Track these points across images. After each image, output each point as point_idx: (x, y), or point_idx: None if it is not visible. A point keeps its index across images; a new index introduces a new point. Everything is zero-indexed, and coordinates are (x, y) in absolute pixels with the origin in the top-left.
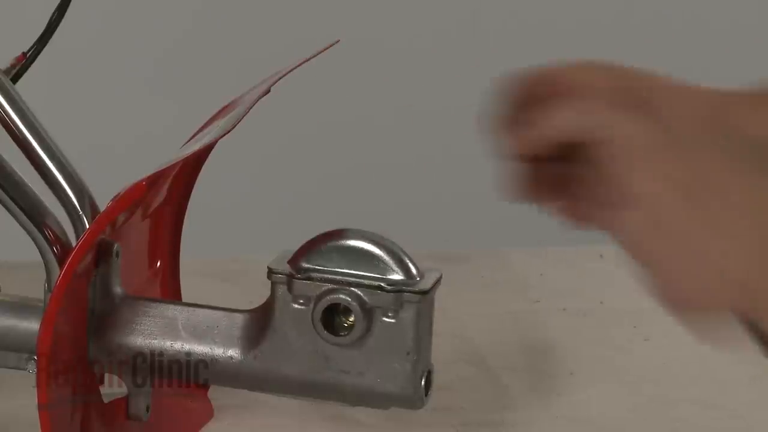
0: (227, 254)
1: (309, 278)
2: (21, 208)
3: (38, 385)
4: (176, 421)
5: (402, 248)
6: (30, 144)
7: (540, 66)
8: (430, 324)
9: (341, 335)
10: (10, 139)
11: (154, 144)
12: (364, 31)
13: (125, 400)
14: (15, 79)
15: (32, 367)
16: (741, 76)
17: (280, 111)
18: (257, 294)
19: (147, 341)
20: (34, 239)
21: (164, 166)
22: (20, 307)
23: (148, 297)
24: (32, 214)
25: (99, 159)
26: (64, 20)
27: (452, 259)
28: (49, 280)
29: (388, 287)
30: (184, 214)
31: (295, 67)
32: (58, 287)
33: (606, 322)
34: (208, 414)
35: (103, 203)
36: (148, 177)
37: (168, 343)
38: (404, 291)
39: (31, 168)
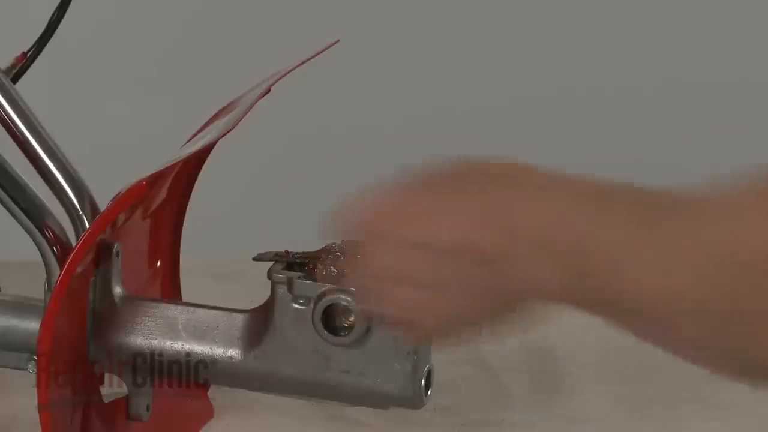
0: (227, 254)
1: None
2: (21, 208)
3: (38, 385)
4: (176, 421)
5: None
6: (30, 144)
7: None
8: None
9: (341, 335)
10: (10, 139)
11: (154, 144)
12: (364, 31)
13: (125, 400)
14: (15, 79)
15: (32, 367)
16: (738, 78)
17: (280, 111)
18: (257, 294)
19: (147, 341)
20: (34, 239)
21: (164, 166)
22: (20, 307)
23: (148, 297)
24: (32, 214)
25: (99, 159)
26: (64, 20)
27: None
28: (49, 280)
29: None
30: (184, 214)
31: (295, 67)
32: (58, 287)
33: (606, 322)
34: (208, 414)
35: (103, 203)
36: (148, 177)
37: (168, 343)
38: None
39: (31, 168)
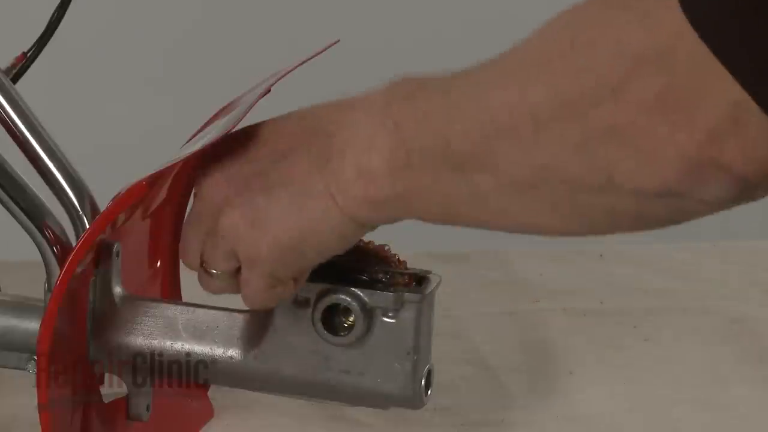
0: None
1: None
2: (21, 208)
3: (38, 385)
4: (176, 421)
5: None
6: (30, 144)
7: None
8: (431, 324)
9: (341, 335)
10: (10, 139)
11: (155, 144)
12: (364, 32)
13: (125, 400)
14: (15, 79)
15: (32, 367)
16: None
17: (280, 111)
18: None
19: (147, 341)
20: (34, 239)
21: (164, 166)
22: (20, 307)
23: (148, 297)
24: (32, 214)
25: (99, 159)
26: (64, 20)
27: (452, 259)
28: (49, 280)
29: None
30: (184, 214)
31: (295, 67)
32: (58, 287)
33: (606, 322)
34: (208, 414)
35: (103, 203)
36: (148, 177)
37: (168, 343)
38: (405, 291)
39: (31, 168)
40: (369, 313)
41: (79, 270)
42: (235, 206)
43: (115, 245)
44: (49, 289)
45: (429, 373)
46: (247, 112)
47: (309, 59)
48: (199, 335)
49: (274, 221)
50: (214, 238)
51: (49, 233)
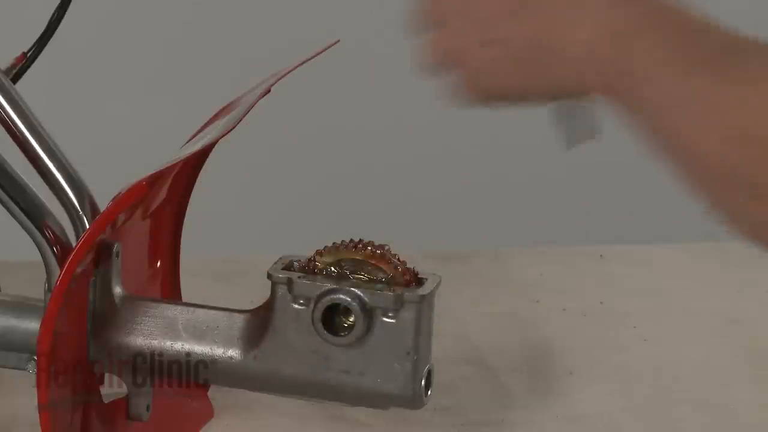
0: (227, 254)
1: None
2: (21, 208)
3: (38, 385)
4: (176, 421)
5: None
6: (30, 144)
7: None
8: (431, 324)
9: (341, 335)
10: (10, 139)
11: (154, 144)
12: (364, 32)
13: (125, 400)
14: (15, 79)
15: (32, 367)
16: None
17: (280, 111)
18: (257, 294)
19: (147, 341)
20: (34, 239)
21: (164, 166)
22: (20, 307)
23: (149, 297)
24: (32, 214)
25: (99, 159)
26: (64, 20)
27: (452, 259)
28: (49, 280)
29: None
30: (184, 214)
31: (295, 67)
32: (58, 287)
33: (606, 322)
34: (208, 414)
35: (103, 203)
36: (148, 177)
37: (168, 343)
38: (404, 291)
39: (31, 168)
40: (369, 313)
41: (79, 270)
42: (470, 38)
43: (115, 245)
44: (49, 289)
45: (429, 373)
46: (248, 112)
47: (309, 59)
48: (199, 335)
49: (505, 71)
50: (448, 37)
51: (49, 233)
